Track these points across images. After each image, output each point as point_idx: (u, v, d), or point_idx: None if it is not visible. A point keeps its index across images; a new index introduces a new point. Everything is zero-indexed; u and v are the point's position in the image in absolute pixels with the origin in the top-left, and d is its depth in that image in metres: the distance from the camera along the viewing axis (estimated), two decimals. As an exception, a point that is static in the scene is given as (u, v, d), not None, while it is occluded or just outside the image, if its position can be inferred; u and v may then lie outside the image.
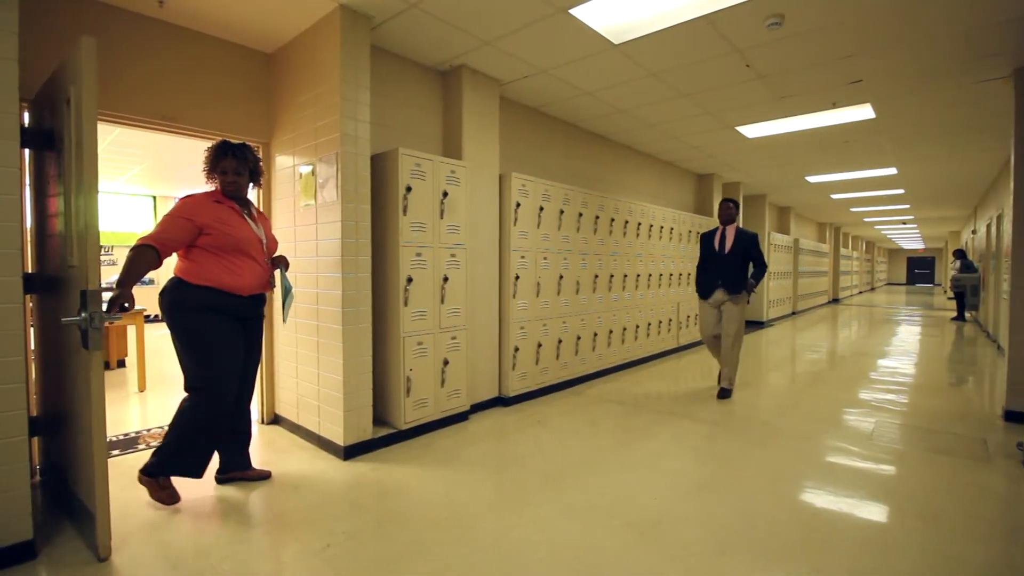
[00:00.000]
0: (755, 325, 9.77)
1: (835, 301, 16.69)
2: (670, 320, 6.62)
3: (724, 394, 4.46)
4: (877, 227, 17.77)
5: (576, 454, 3.15)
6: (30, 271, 2.41)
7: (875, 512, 2.44)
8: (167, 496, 2.46)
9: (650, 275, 6.13)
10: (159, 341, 7.14)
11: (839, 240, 17.20)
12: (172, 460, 2.44)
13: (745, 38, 3.39)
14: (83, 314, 1.87)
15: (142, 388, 4.61)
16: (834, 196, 10.31)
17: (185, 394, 2.46)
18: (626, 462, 3.02)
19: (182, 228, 2.36)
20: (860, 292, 22.23)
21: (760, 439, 3.43)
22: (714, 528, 2.26)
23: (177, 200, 2.45)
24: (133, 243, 2.26)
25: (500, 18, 3.13)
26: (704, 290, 4.52)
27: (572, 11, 3.01)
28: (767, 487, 2.69)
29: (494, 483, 2.73)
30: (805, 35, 3.33)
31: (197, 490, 2.62)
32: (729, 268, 4.34)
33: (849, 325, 10.54)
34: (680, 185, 7.75)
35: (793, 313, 12.21)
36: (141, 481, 2.46)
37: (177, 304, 2.39)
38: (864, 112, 4.86)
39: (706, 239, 4.57)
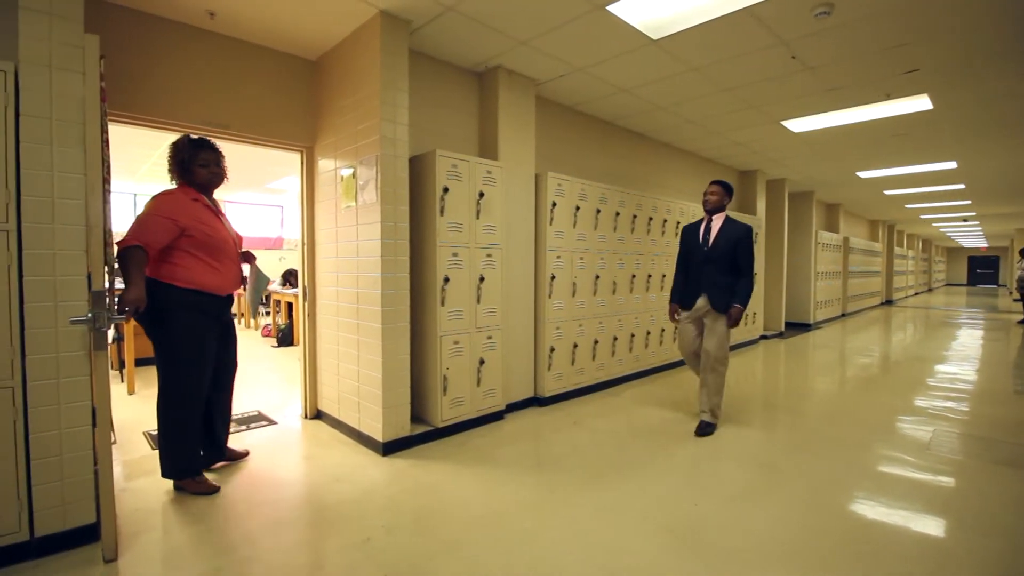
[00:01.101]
0: (801, 328, 9.41)
1: (888, 303, 15.88)
2: (710, 321, 6.45)
3: (704, 430, 3.46)
4: (935, 225, 16.79)
5: (612, 456, 3.11)
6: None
7: (932, 526, 2.31)
8: (206, 487, 2.59)
9: (689, 275, 5.98)
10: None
11: (893, 238, 16.34)
12: (174, 463, 2.53)
13: (791, 29, 3.26)
14: (89, 314, 1.93)
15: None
16: (888, 192, 9.80)
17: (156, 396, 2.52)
18: (664, 466, 2.96)
19: (166, 229, 2.35)
20: (916, 293, 21.06)
21: (807, 446, 3.30)
22: (756, 537, 2.18)
23: (153, 197, 2.44)
24: (115, 245, 2.24)
25: (537, 18, 3.12)
26: (682, 298, 3.65)
27: (609, 8, 2.98)
28: (814, 496, 2.58)
29: (529, 483, 2.73)
30: (855, 24, 3.18)
31: (241, 479, 2.73)
32: (712, 272, 3.46)
33: (904, 328, 10.01)
34: (721, 183, 7.53)
35: (843, 315, 11.69)
36: (176, 487, 2.59)
37: (163, 309, 2.39)
38: (921, 103, 4.60)
39: (688, 233, 3.68)
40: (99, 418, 1.99)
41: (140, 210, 2.43)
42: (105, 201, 2.10)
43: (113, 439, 2.02)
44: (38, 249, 1.96)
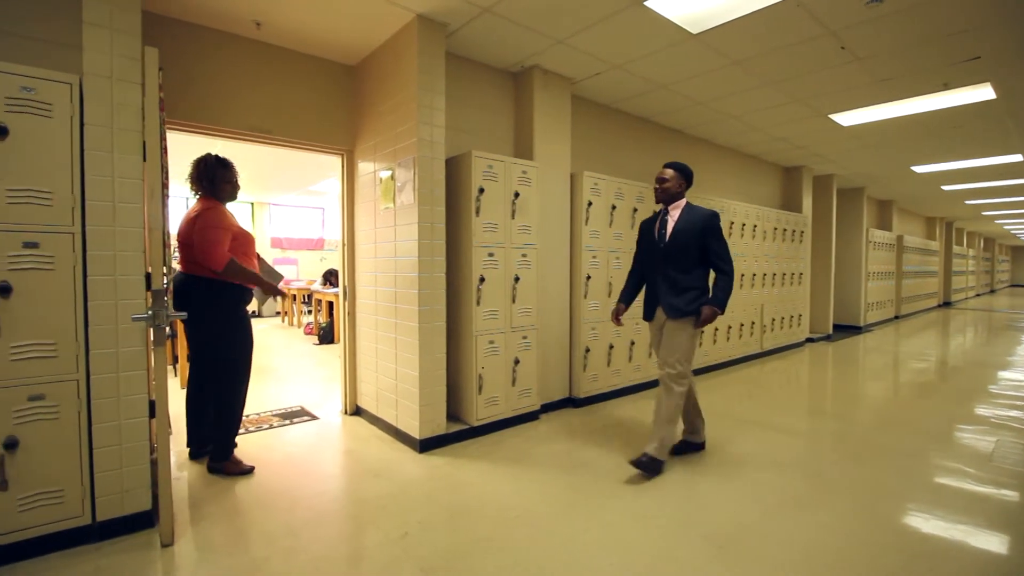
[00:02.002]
0: (851, 331, 9.00)
1: (946, 304, 15.00)
2: (752, 323, 6.25)
3: (643, 464, 2.75)
4: (998, 221, 15.73)
5: (649, 459, 3.05)
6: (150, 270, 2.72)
7: (995, 542, 2.17)
8: (245, 467, 2.82)
9: (730, 275, 5.81)
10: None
11: (951, 237, 15.44)
12: (230, 442, 2.83)
13: (840, 18, 3.13)
14: (150, 312, 2.06)
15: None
16: (945, 188, 9.26)
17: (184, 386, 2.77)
18: (703, 471, 2.89)
19: (228, 238, 2.69)
20: (977, 295, 19.81)
21: (857, 455, 3.16)
22: (803, 547, 2.10)
23: (201, 214, 2.66)
24: (222, 263, 2.62)
25: (573, 16, 3.10)
26: (644, 306, 3.07)
27: (647, 3, 2.93)
28: (865, 507, 2.46)
29: (564, 484, 2.71)
30: (909, 11, 3.02)
31: (284, 473, 2.82)
32: (670, 271, 2.86)
33: (963, 331, 9.44)
34: (765, 180, 7.30)
35: (896, 317, 11.12)
36: (214, 471, 2.78)
37: (226, 301, 2.71)
38: (983, 93, 4.32)
39: (644, 229, 3.10)
40: (158, 410, 2.10)
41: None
42: (164, 205, 2.22)
43: (170, 430, 2.17)
44: (101, 250, 2.09)
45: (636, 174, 5.13)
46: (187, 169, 2.79)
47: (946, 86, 4.22)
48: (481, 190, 3.38)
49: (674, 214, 2.91)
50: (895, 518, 2.36)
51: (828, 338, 8.11)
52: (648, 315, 3.04)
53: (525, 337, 3.68)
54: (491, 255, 3.46)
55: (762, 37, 3.39)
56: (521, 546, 2.10)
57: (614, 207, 4.33)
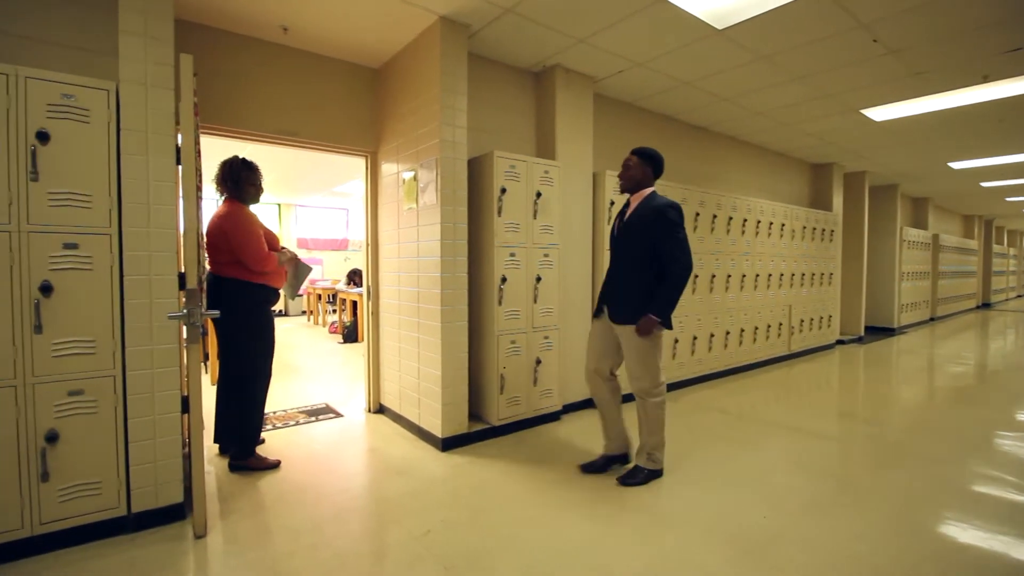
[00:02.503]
0: (884, 332, 8.73)
1: (985, 306, 14.42)
2: (780, 324, 6.11)
3: (634, 478, 2.65)
4: (1044, 219, 15.08)
5: (673, 462, 3.01)
6: (183, 270, 2.80)
7: (1039, 554, 2.08)
8: (270, 463, 2.89)
9: (757, 275, 5.70)
10: (280, 333, 7.93)
11: (991, 235, 14.83)
12: (248, 439, 2.86)
13: (872, 10, 3.04)
14: (185, 310, 2.10)
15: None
16: (985, 184, 8.90)
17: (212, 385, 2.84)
18: (729, 475, 2.84)
19: (263, 239, 2.78)
20: (1018, 296, 18.99)
21: (889, 460, 3.06)
22: (832, 554, 2.05)
23: (230, 216, 2.73)
24: (272, 262, 2.77)
25: (596, 14, 3.08)
26: (598, 302, 2.84)
27: None
28: (897, 514, 2.39)
29: (586, 485, 2.69)
30: (945, 1, 2.91)
31: (310, 469, 2.87)
32: (619, 268, 2.67)
33: (1003, 334, 9.06)
34: (793, 177, 7.13)
35: (931, 319, 10.74)
36: (236, 468, 2.84)
37: (252, 302, 2.77)
38: (1027, 85, 4.15)
39: (614, 222, 2.86)
40: (192, 406, 2.16)
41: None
42: (198, 207, 2.29)
43: (202, 425, 2.27)
44: (136, 251, 2.16)
45: (660, 173, 5.07)
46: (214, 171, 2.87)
47: (986, 79, 4.06)
48: (503, 190, 3.38)
49: (634, 204, 2.66)
50: (930, 527, 2.28)
51: (859, 340, 7.88)
52: (596, 312, 2.80)
53: (547, 337, 3.67)
54: (513, 255, 3.46)
55: (790, 31, 3.31)
56: (541, 548, 2.10)
57: (637, 206, 4.28)
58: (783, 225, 6.10)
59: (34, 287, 1.97)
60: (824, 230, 6.90)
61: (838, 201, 7.48)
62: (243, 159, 2.86)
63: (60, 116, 2.01)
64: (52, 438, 2.00)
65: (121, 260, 2.13)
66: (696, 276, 4.88)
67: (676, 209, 2.55)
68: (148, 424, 2.20)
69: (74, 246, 2.04)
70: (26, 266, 1.96)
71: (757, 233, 5.68)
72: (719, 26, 3.22)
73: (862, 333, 7.98)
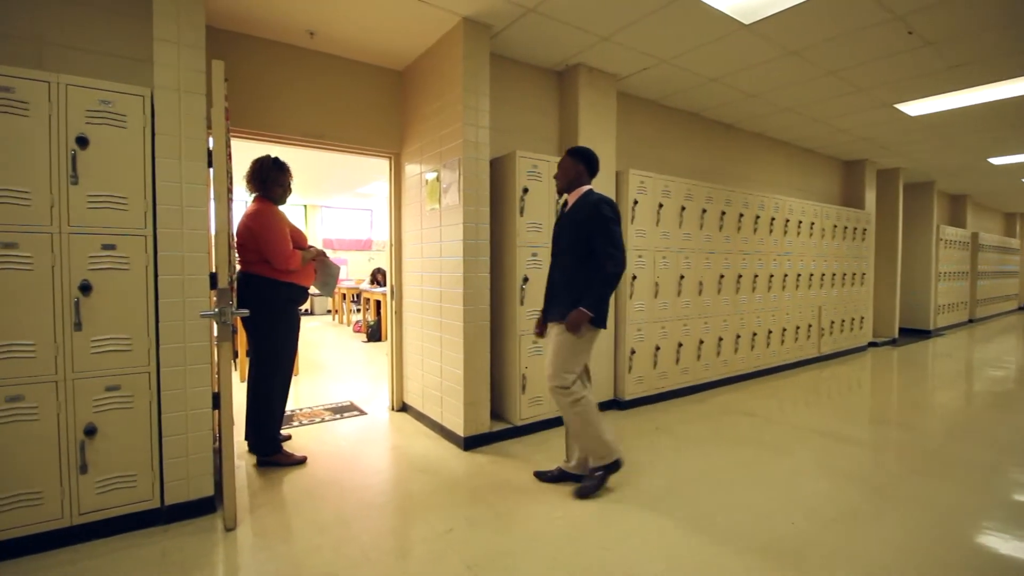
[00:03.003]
0: (919, 334, 8.43)
1: (1029, 307, 13.81)
2: (810, 326, 5.96)
3: (589, 484, 2.55)
4: (1093, 216, 14.35)
5: (697, 466, 2.97)
6: (214, 271, 2.88)
7: (1089, 568, 1.98)
8: (297, 458, 2.94)
9: (785, 275, 5.57)
10: (306, 332, 8.08)
11: (1036, 233, 14.19)
12: (268, 434, 2.91)
13: (907, 1, 2.94)
14: (216, 309, 2.16)
15: (295, 372, 5.24)
16: (1029, 180, 8.53)
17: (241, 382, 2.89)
18: (756, 479, 2.78)
19: (289, 237, 2.81)
20: (1066, 297, 18.10)
21: (926, 467, 2.95)
22: (867, 564, 1.99)
23: (258, 215, 2.78)
24: (297, 261, 2.81)
25: (619, 11, 3.06)
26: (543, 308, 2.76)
27: (697, -5, 2.85)
28: (934, 523, 2.30)
29: (608, 487, 2.67)
30: (990, -11, 2.80)
31: (335, 466, 2.92)
32: (555, 267, 2.65)
33: (1050, 337, 8.65)
34: (823, 174, 6.95)
35: (970, 321, 10.33)
36: (264, 464, 2.90)
37: (278, 300, 2.81)
38: (1075, 75, 3.95)
39: None
40: (222, 402, 2.22)
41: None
42: (228, 208, 2.35)
43: (232, 421, 2.34)
44: (170, 251, 2.23)
45: (684, 171, 5.00)
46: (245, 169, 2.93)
47: (1030, 70, 3.88)
48: (525, 190, 3.38)
49: (571, 203, 2.63)
50: (969, 536, 2.19)
51: (893, 342, 7.63)
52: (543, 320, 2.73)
53: (569, 337, 3.65)
54: (535, 255, 3.45)
55: (821, 24, 3.23)
56: (563, 549, 2.09)
57: (661, 205, 4.24)
58: (812, 224, 5.94)
59: (74, 286, 2.04)
60: (856, 229, 6.70)
61: (871, 199, 7.26)
62: (274, 159, 2.90)
63: (98, 122, 2.08)
64: (91, 432, 2.08)
65: (156, 260, 2.20)
66: (722, 276, 4.80)
67: (610, 205, 2.50)
68: (181, 419, 2.26)
69: (112, 247, 2.12)
70: (67, 266, 2.03)
71: (785, 232, 5.55)
72: (746, 21, 3.15)
73: (896, 335, 7.72)
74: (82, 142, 2.05)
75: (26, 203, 1.97)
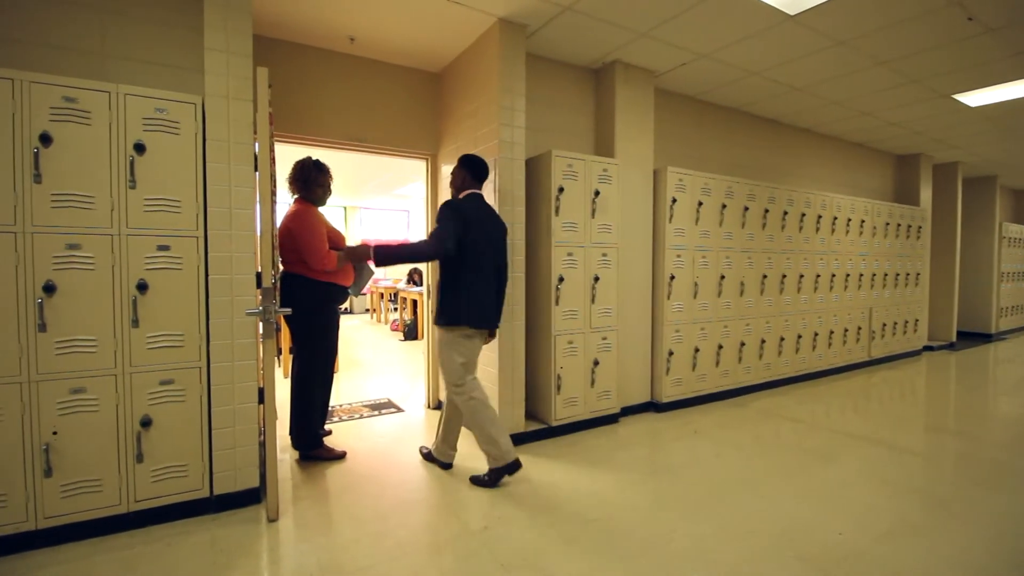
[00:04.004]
0: (979, 338, 7.94)
1: (1106, 310, 12.77)
2: (859, 328, 5.70)
3: (479, 479, 2.69)
4: None
5: (737, 471, 2.88)
6: (259, 270, 2.99)
7: None
8: (337, 453, 3.02)
9: (833, 275, 5.35)
10: (345, 330, 8.27)
11: (1114, 230, 13.12)
12: (305, 429, 2.97)
13: (968, -15, 2.77)
14: (261, 307, 2.23)
15: (336, 370, 5.38)
16: (1106, 173, 7.90)
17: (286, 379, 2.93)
18: (799, 488, 2.68)
19: (326, 239, 2.85)
20: None
21: (984, 478, 2.78)
22: (918, 577, 1.89)
23: (297, 215, 2.84)
24: (332, 262, 2.83)
25: (657, 6, 3.00)
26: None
27: (739, -13, 2.77)
28: (995, 538, 2.16)
29: (646, 490, 2.63)
30: (1062, -31, 2.61)
31: (373, 462, 2.98)
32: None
33: None
34: (874, 170, 6.63)
35: (1037, 324, 9.65)
36: (306, 459, 2.97)
37: (316, 299, 2.86)
38: None
39: None
40: (267, 396, 2.30)
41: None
42: (273, 211, 2.43)
43: (275, 416, 2.43)
44: (219, 252, 2.33)
45: (725, 168, 4.87)
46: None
47: (1108, 54, 3.60)
48: (561, 189, 3.36)
49: None
50: (1037, 555, 2.05)
51: (951, 347, 7.22)
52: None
53: (605, 338, 3.61)
54: (570, 255, 3.43)
55: (871, 13, 3.08)
56: (601, 550, 2.07)
57: (700, 204, 4.14)
58: (863, 221, 5.68)
59: (132, 285, 2.16)
60: (910, 226, 6.37)
61: (926, 195, 6.88)
62: (315, 160, 2.97)
63: (154, 128, 2.19)
64: (146, 423, 2.19)
65: (206, 260, 2.30)
66: (764, 276, 4.65)
67: (450, 207, 2.62)
68: (229, 413, 2.36)
69: (166, 248, 2.22)
70: (125, 266, 2.15)
71: (833, 230, 5.32)
72: (791, 11, 3.04)
73: (954, 339, 7.30)
74: (139, 148, 2.16)
75: (90, 207, 2.09)
